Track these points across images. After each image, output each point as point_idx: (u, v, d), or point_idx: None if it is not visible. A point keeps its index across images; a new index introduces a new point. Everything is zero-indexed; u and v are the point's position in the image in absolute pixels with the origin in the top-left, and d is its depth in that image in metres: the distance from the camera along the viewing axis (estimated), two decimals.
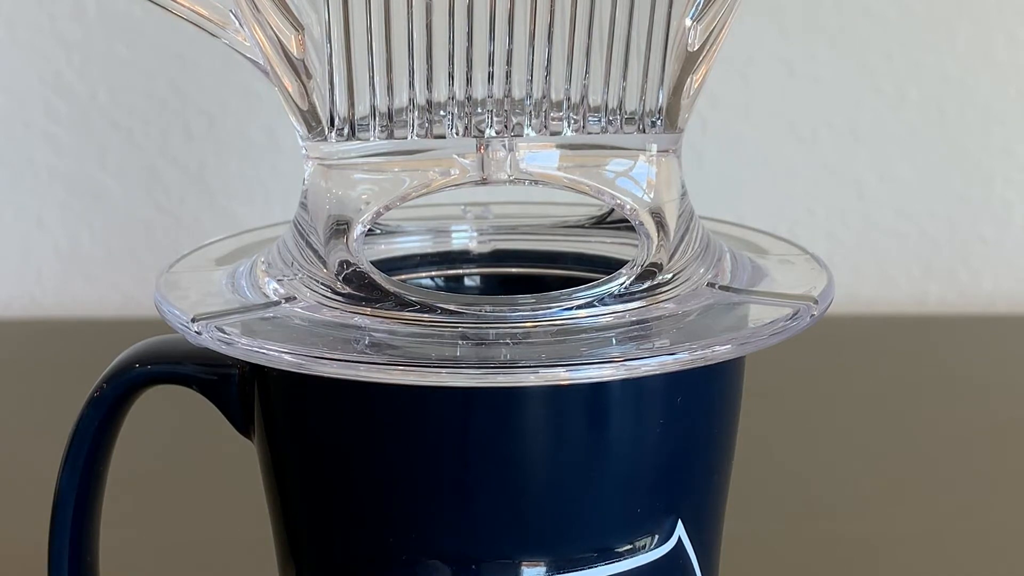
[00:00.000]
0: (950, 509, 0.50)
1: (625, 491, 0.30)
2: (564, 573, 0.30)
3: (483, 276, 0.36)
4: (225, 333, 0.29)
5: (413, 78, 0.30)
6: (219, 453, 0.47)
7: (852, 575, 0.46)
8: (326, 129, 0.31)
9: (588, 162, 0.31)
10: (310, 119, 0.31)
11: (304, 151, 0.32)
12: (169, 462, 0.53)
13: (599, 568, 0.30)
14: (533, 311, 0.29)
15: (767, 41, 0.67)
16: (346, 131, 0.31)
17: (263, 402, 0.31)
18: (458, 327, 0.29)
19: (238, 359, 0.30)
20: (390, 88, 0.30)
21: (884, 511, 0.49)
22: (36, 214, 0.69)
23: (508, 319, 0.29)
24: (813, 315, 0.30)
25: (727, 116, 0.68)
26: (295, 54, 0.30)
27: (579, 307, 0.29)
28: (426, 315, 0.29)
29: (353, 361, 0.28)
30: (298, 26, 0.30)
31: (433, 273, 0.35)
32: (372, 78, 0.30)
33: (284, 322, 0.29)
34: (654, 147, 0.31)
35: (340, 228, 0.31)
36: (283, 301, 0.30)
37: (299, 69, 0.30)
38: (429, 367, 0.27)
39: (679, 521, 0.31)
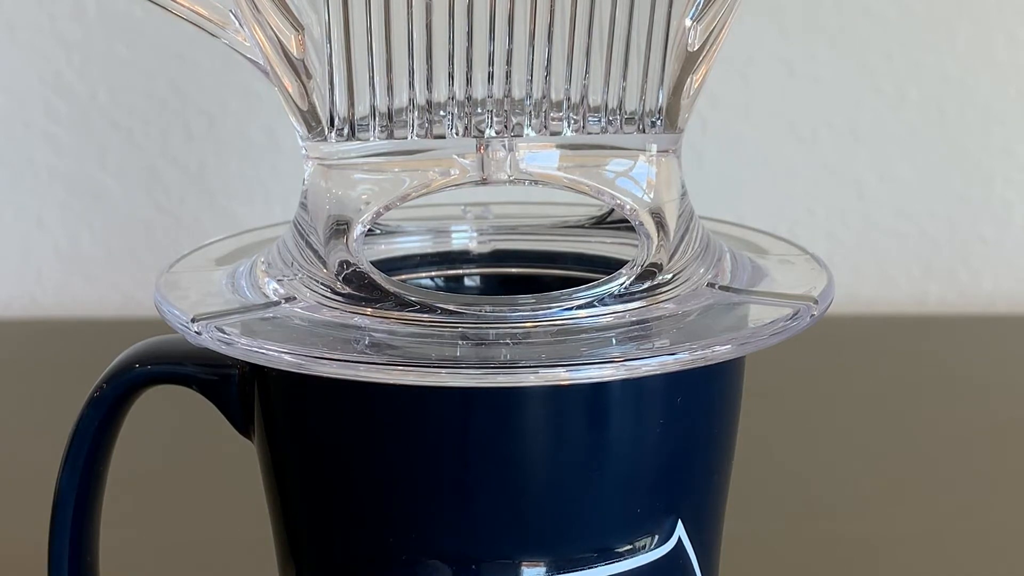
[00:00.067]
0: (950, 509, 0.50)
1: (625, 491, 0.30)
2: (564, 573, 0.30)
3: (483, 276, 0.36)
4: (225, 333, 0.29)
5: (413, 78, 0.30)
6: (219, 453, 0.47)
7: (852, 575, 0.46)
8: (326, 129, 0.31)
9: (588, 162, 0.31)
10: (310, 119, 0.31)
11: (304, 151, 0.32)
12: (169, 462, 0.53)
13: (599, 568, 0.30)
14: (533, 311, 0.29)
15: (767, 41, 0.67)
16: (346, 131, 0.31)
17: (263, 402, 0.31)
18: (458, 327, 0.29)
19: (238, 359, 0.30)
20: (390, 88, 0.30)
21: (884, 511, 0.49)
22: (36, 214, 0.69)
23: (508, 319, 0.29)
24: (813, 315, 0.30)
25: (727, 116, 0.68)
26: (295, 54, 0.30)
27: (579, 307, 0.29)
28: (426, 315, 0.29)
29: (353, 361, 0.28)
30: (298, 26, 0.30)
31: (433, 273, 0.35)
32: (372, 78, 0.30)
33: (284, 322, 0.29)
34: (654, 147, 0.31)
35: (340, 228, 0.31)
36: (283, 301, 0.30)
37: (299, 69, 0.30)
38: (429, 367, 0.27)
39: (679, 521, 0.31)
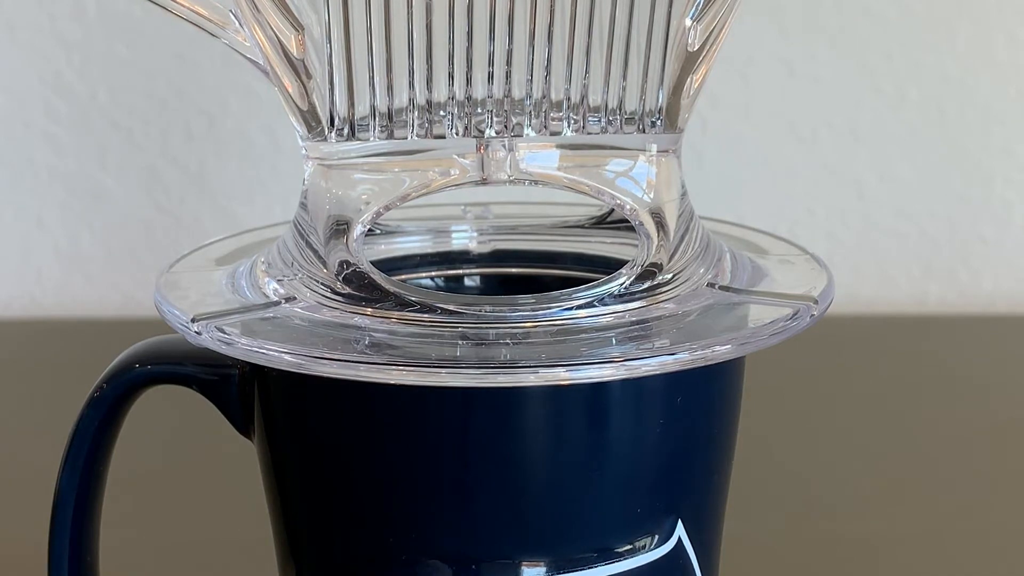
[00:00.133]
0: (950, 509, 0.50)
1: (625, 491, 0.30)
2: (564, 573, 0.30)
3: (483, 276, 0.36)
4: (225, 333, 0.29)
5: (413, 78, 0.30)
6: (219, 453, 0.47)
7: (852, 575, 0.46)
8: (326, 129, 0.31)
9: (588, 162, 0.31)
10: (310, 119, 0.31)
11: (304, 151, 0.32)
12: (169, 462, 0.53)
13: (599, 568, 0.30)
14: (533, 311, 0.29)
15: (767, 41, 0.67)
16: (346, 131, 0.31)
17: (263, 402, 0.31)
18: (458, 327, 0.29)
19: (238, 359, 0.30)
20: (390, 88, 0.30)
21: (884, 511, 0.49)
22: (36, 214, 0.69)
23: (508, 319, 0.29)
24: (813, 315, 0.30)
25: (727, 116, 0.68)
26: (295, 54, 0.30)
27: (579, 307, 0.29)
28: (426, 315, 0.29)
29: (353, 361, 0.28)
30: (298, 26, 0.30)
31: (433, 273, 0.35)
32: (372, 78, 0.30)
33: (284, 322, 0.29)
34: (654, 147, 0.31)
35: (340, 228, 0.31)
36: (283, 301, 0.30)
37: (299, 69, 0.30)
38: (429, 367, 0.27)
39: (679, 521, 0.31)
